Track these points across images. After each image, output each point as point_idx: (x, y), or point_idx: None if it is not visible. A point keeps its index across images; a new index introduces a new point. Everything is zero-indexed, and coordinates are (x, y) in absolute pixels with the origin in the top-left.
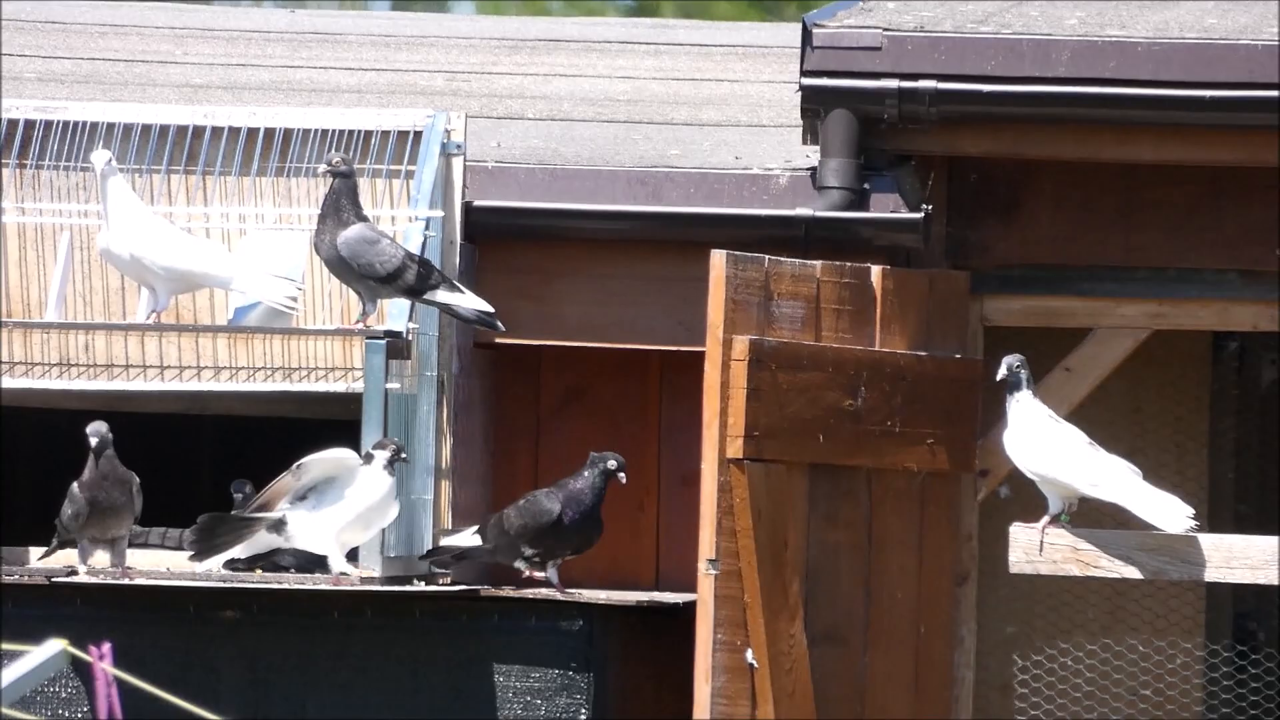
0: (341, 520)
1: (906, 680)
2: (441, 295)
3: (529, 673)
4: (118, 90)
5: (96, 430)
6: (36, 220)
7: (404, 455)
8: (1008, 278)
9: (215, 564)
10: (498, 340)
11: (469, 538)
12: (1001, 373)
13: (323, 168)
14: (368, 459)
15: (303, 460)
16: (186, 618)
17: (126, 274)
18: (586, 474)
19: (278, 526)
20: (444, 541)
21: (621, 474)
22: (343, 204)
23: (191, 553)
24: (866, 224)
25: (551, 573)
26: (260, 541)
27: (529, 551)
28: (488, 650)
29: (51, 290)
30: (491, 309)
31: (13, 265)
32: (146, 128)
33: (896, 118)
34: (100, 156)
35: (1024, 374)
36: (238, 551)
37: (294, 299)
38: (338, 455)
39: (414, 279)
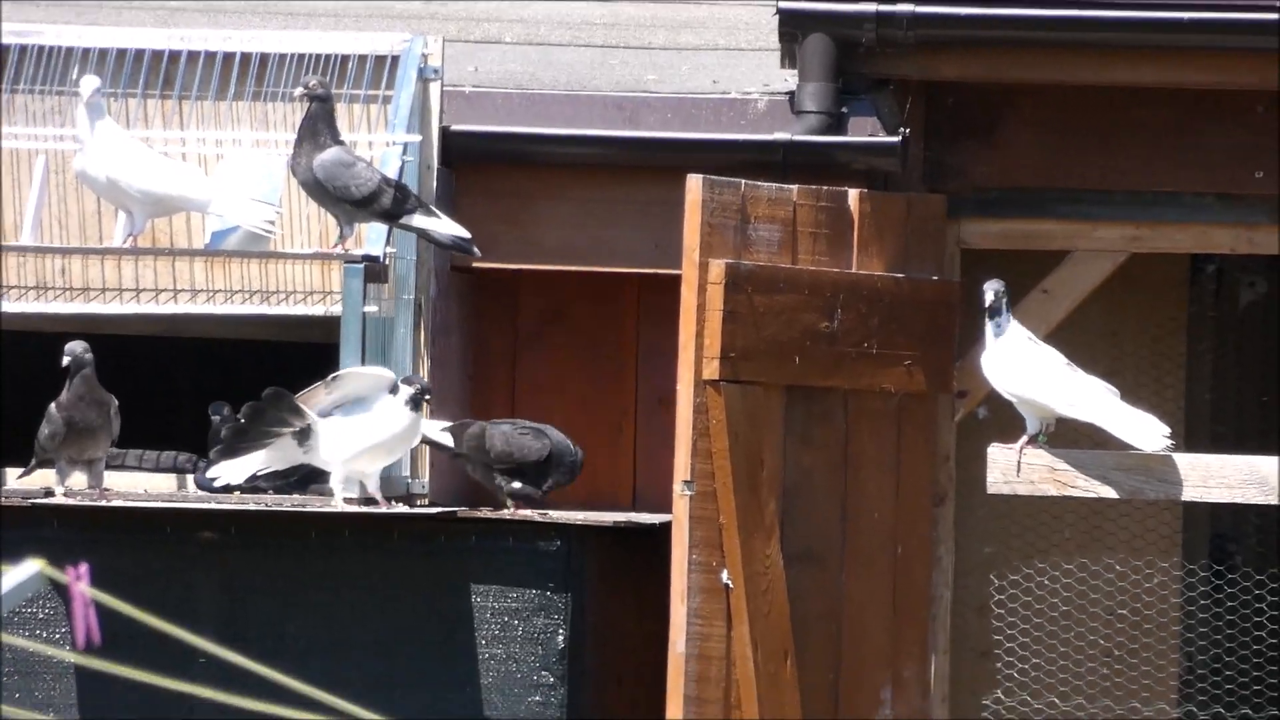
0: (368, 441)
1: (883, 600)
2: (418, 220)
3: (506, 593)
4: (93, 13)
5: (71, 350)
6: (12, 145)
7: (428, 397)
8: (985, 200)
9: (237, 475)
10: (476, 264)
11: (439, 433)
12: (988, 299)
13: (300, 91)
14: (394, 390)
15: (339, 373)
16: (164, 539)
17: (103, 197)
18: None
19: (304, 435)
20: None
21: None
22: (319, 128)
23: (219, 447)
24: (844, 148)
25: (516, 485)
26: (282, 454)
27: (501, 478)
28: (465, 571)
29: (27, 214)
30: (468, 234)
31: None
32: (122, 52)
33: (874, 42)
34: (89, 83)
35: (1005, 298)
36: (260, 461)
37: (272, 223)
38: (375, 371)
39: (390, 203)
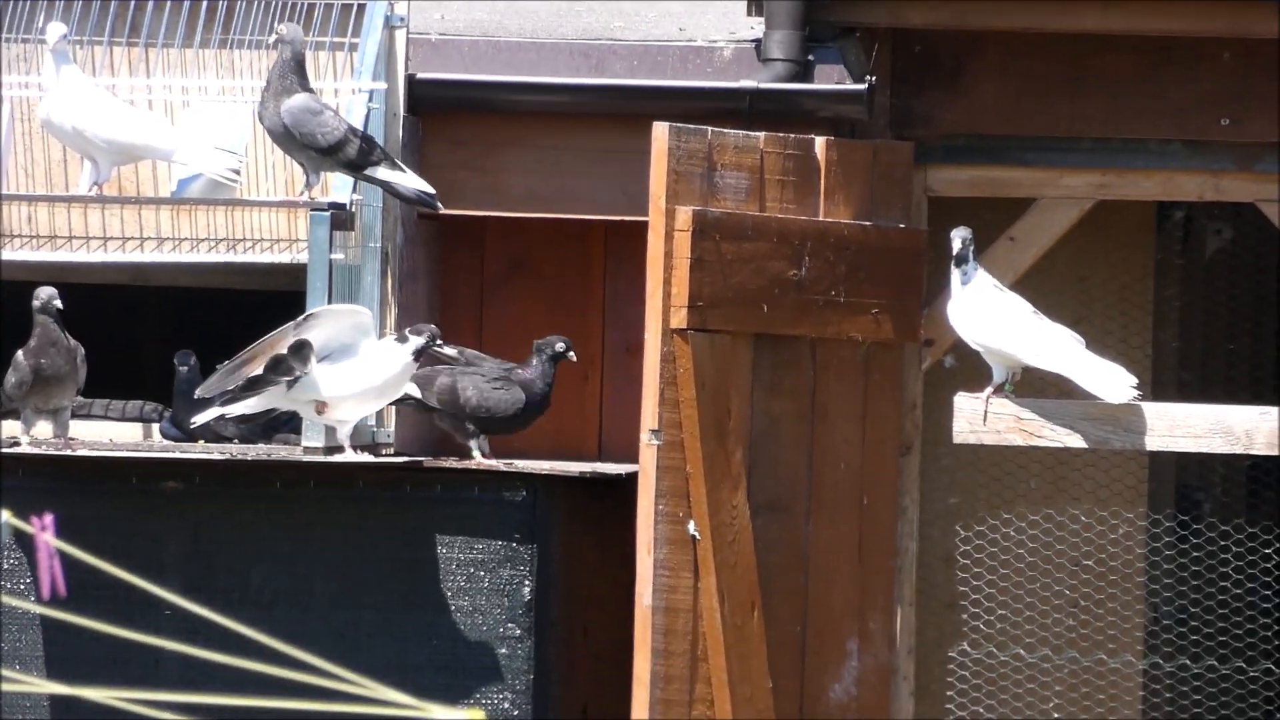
0: (360, 385)
1: (850, 550)
2: (382, 172)
3: (472, 544)
4: None
5: (39, 294)
6: None
7: (439, 343)
8: (952, 148)
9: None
10: (442, 212)
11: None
12: (955, 247)
13: (272, 38)
14: (402, 339)
15: (311, 312)
16: (129, 489)
17: (68, 145)
18: (535, 362)
19: (293, 380)
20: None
21: (570, 353)
22: (288, 74)
23: (229, 395)
24: (811, 95)
25: (484, 442)
26: (269, 398)
27: (472, 427)
28: (431, 521)
29: None
30: (432, 190)
31: None
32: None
33: None
34: (55, 30)
35: (971, 246)
36: (251, 405)
37: (236, 171)
38: (348, 309)
39: (355, 153)
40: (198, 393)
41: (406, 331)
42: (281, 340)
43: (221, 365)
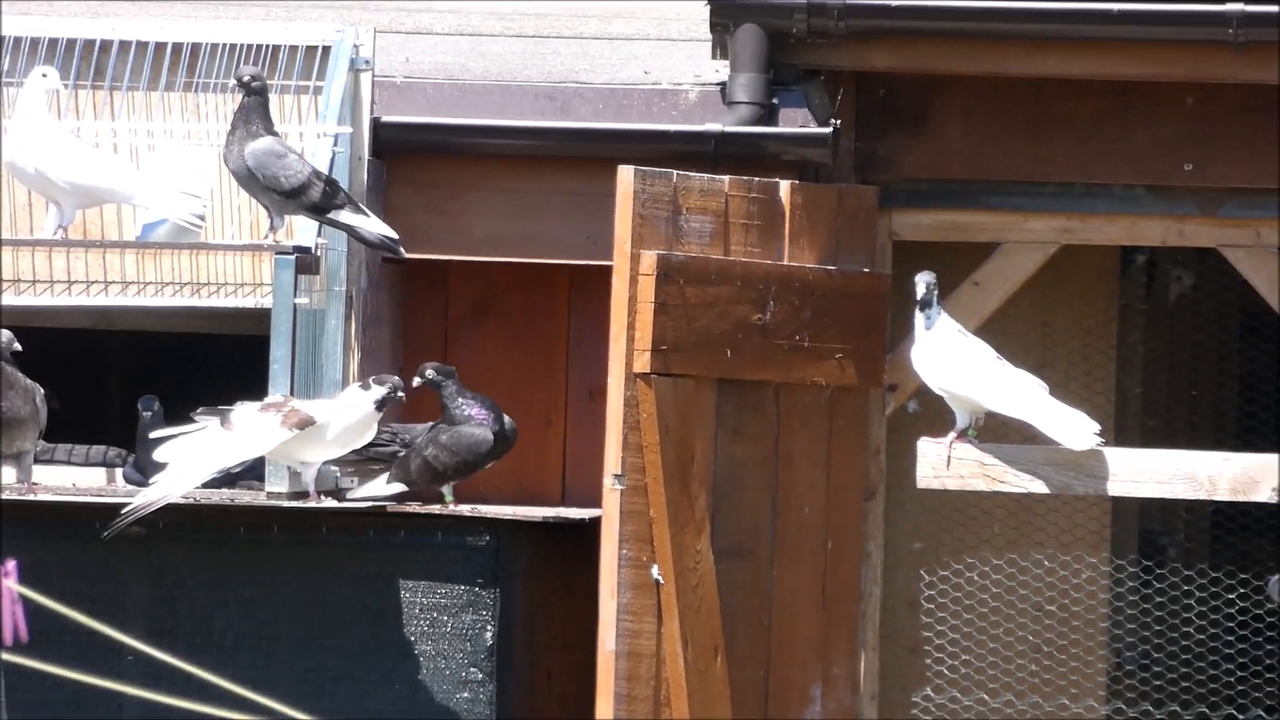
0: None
1: (814, 595)
2: (345, 216)
3: (435, 589)
4: (23, 4)
5: None
6: None
7: (400, 395)
8: (916, 192)
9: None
10: (407, 255)
11: (386, 487)
12: (920, 292)
13: (233, 82)
14: (365, 386)
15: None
16: (93, 534)
17: (31, 188)
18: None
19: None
20: (357, 494)
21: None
22: (253, 118)
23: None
24: (775, 139)
25: (451, 489)
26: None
27: (454, 482)
28: (394, 566)
29: None
30: (395, 235)
31: None
32: (54, 41)
33: (805, 32)
34: (47, 79)
35: (935, 290)
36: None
37: (200, 216)
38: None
39: (319, 197)
40: (152, 435)
41: (370, 380)
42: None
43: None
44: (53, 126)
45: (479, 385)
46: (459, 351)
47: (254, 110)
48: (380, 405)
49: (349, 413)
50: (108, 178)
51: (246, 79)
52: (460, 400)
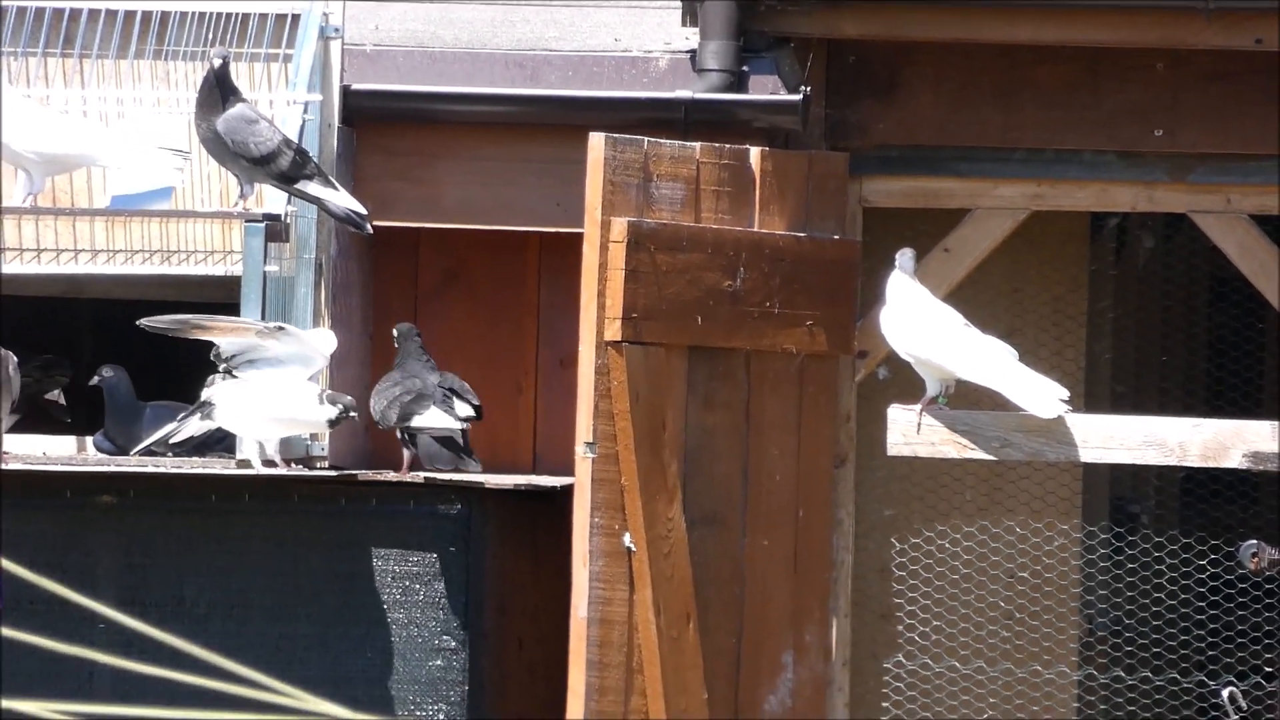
0: (271, 412)
1: (785, 562)
2: (314, 188)
3: (407, 556)
4: None
5: None
6: None
7: (353, 415)
8: (886, 159)
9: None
10: (377, 222)
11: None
12: (907, 265)
13: (216, 60)
14: (321, 398)
15: (286, 327)
16: (63, 502)
17: None
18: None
19: (205, 408)
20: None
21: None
22: (223, 86)
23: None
24: (745, 106)
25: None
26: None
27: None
28: (366, 534)
29: None
30: (363, 210)
31: None
32: (22, 10)
33: None
34: None
35: (912, 262)
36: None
37: (180, 169)
38: (319, 339)
39: (288, 165)
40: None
41: (325, 396)
42: (240, 332)
43: (185, 316)
44: (17, 93)
45: (450, 353)
46: (429, 319)
47: (224, 81)
48: (331, 425)
49: (302, 417)
50: (79, 142)
51: (216, 59)
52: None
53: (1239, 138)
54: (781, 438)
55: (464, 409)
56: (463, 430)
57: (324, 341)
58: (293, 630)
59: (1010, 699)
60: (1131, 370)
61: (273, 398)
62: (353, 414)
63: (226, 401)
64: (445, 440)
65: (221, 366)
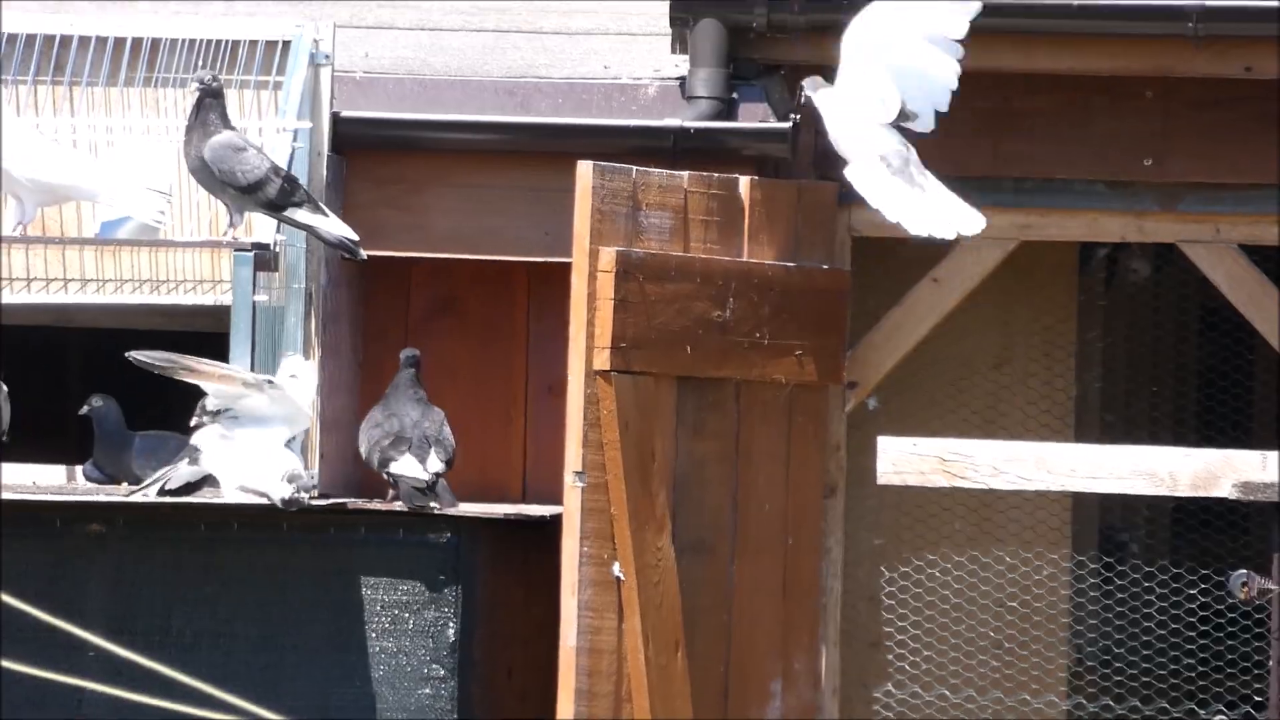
0: (238, 479)
1: (774, 591)
2: (303, 215)
3: (397, 585)
4: None
5: None
6: None
7: (307, 498)
8: None
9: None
10: (366, 251)
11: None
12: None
13: (193, 85)
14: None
15: (275, 381)
16: (52, 531)
17: None
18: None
19: (193, 454)
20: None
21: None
22: (211, 116)
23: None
24: (735, 134)
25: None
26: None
27: None
28: (355, 563)
29: None
30: (355, 236)
31: None
32: (12, 37)
33: (765, 26)
34: None
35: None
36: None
37: (163, 212)
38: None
39: (276, 193)
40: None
41: (289, 475)
42: (229, 380)
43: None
44: (11, 122)
45: (440, 382)
46: (419, 348)
47: (212, 108)
48: (285, 506)
49: (265, 488)
50: (72, 174)
51: (204, 82)
52: None
53: (1229, 166)
54: (771, 467)
55: (434, 464)
56: (431, 482)
57: (306, 391)
58: (281, 659)
59: None
60: (1122, 400)
61: (243, 463)
62: (306, 497)
63: (211, 450)
64: (415, 490)
65: (207, 420)
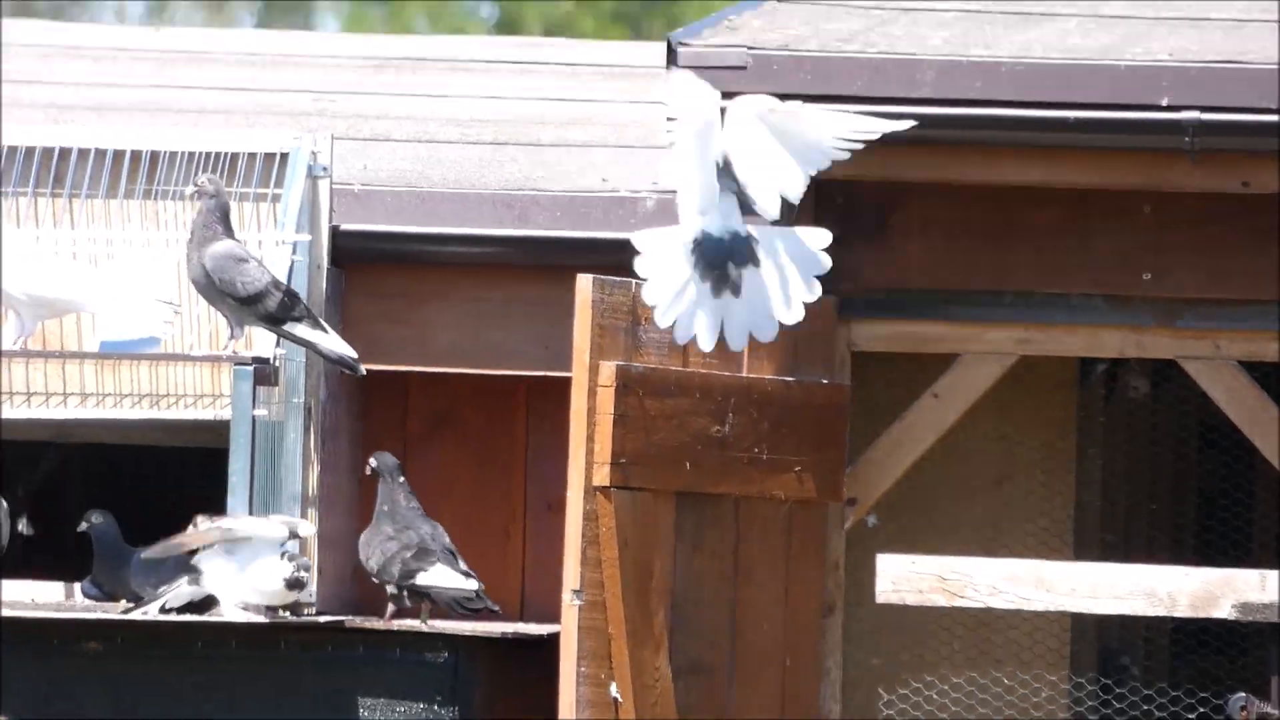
0: (254, 573)
1: (772, 712)
2: (302, 330)
3: (394, 705)
4: None
5: None
6: None
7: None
8: (875, 302)
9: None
10: (366, 365)
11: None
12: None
13: (191, 189)
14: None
15: (230, 525)
16: (50, 649)
17: None
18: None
19: (194, 575)
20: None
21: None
22: (212, 222)
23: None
24: None
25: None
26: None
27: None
28: (353, 682)
29: None
30: (354, 354)
31: None
32: (12, 149)
33: None
34: None
35: None
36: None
37: (169, 322)
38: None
39: (275, 307)
40: (146, 553)
41: (282, 555)
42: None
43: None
44: (11, 235)
45: (438, 497)
46: (418, 464)
47: (214, 216)
48: (289, 586)
49: (267, 586)
50: (71, 288)
51: (203, 186)
52: None
53: (1227, 282)
54: (769, 585)
55: (472, 579)
56: (480, 589)
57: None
58: None
59: None
60: (1121, 518)
61: (243, 580)
62: (305, 574)
63: (212, 570)
64: (462, 600)
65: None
